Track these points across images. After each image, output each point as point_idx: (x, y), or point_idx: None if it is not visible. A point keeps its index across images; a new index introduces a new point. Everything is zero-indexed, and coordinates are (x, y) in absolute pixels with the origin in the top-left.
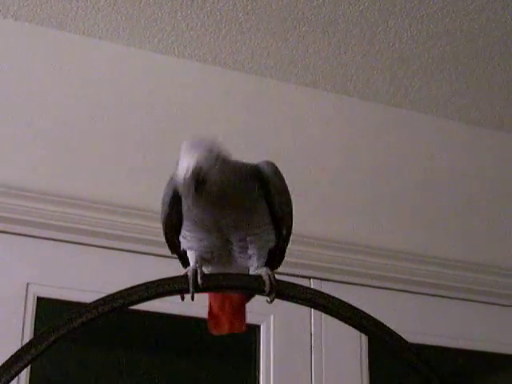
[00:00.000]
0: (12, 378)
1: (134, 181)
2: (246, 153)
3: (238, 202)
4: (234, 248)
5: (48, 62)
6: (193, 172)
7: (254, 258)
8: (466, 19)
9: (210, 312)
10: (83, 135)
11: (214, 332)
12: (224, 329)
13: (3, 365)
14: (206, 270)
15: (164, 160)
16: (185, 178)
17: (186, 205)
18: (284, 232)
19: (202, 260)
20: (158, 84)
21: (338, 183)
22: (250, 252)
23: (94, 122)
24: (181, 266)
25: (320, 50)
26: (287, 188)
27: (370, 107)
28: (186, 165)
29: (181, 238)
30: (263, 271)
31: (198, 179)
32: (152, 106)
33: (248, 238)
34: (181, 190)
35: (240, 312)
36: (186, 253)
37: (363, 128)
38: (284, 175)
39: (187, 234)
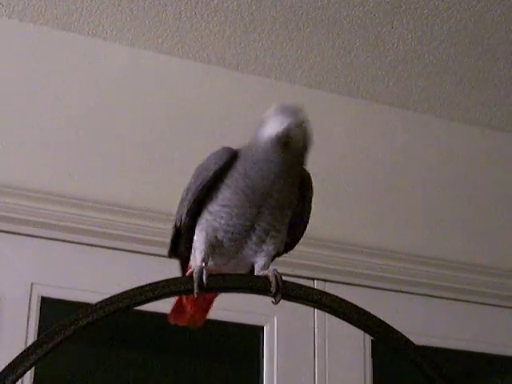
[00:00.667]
0: (18, 378)
1: (139, 181)
2: None
3: (291, 184)
4: (253, 238)
5: (53, 63)
6: (288, 132)
7: (262, 255)
8: (471, 20)
9: (178, 302)
10: (88, 135)
11: (172, 321)
12: (184, 320)
13: (9, 364)
14: (210, 261)
15: (168, 160)
16: (277, 137)
17: (245, 172)
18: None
19: (209, 248)
20: (163, 85)
21: (342, 184)
22: (263, 247)
23: (99, 123)
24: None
25: (325, 51)
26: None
27: (374, 108)
28: (279, 125)
29: (205, 214)
30: (270, 272)
31: (290, 141)
32: (156, 106)
33: (271, 233)
34: (263, 150)
35: (207, 308)
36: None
37: (369, 129)
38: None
39: (217, 208)
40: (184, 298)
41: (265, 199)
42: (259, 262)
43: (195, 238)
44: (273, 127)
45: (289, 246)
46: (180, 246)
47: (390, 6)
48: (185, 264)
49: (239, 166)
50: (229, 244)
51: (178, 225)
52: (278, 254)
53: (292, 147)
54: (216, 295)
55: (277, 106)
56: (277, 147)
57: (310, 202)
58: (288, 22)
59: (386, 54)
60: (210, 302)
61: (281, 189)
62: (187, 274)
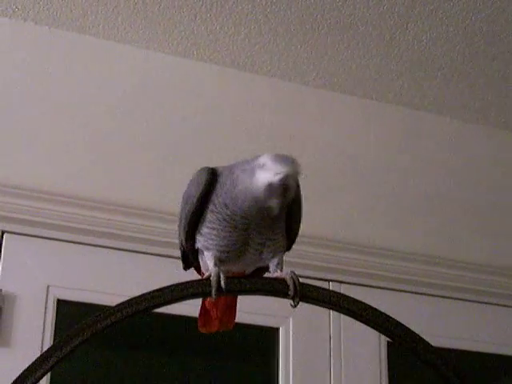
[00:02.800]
0: (37, 381)
1: (157, 184)
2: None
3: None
4: (250, 250)
5: (67, 65)
6: (287, 181)
7: (273, 259)
8: (485, 22)
9: (203, 309)
10: (104, 138)
11: (203, 330)
12: (214, 327)
13: (29, 367)
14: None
15: (182, 163)
16: (272, 184)
17: (224, 200)
18: (292, 240)
19: (216, 258)
20: (177, 87)
21: (357, 186)
22: (263, 255)
23: (115, 125)
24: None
25: (339, 53)
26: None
27: (389, 110)
28: (277, 170)
29: (197, 236)
30: (288, 274)
31: (287, 189)
32: (170, 108)
33: (267, 243)
34: (255, 193)
35: (232, 309)
36: (194, 252)
37: (383, 131)
38: (302, 176)
39: (207, 231)
40: (206, 303)
41: (249, 225)
42: (272, 261)
43: (203, 253)
44: (270, 174)
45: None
46: (190, 260)
47: (404, 9)
48: (199, 270)
49: (219, 195)
50: (229, 259)
51: (182, 248)
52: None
53: (286, 197)
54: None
55: (272, 155)
56: (271, 195)
57: (299, 207)
58: (302, 24)
59: (400, 55)
60: (234, 302)
61: (264, 218)
62: (204, 276)
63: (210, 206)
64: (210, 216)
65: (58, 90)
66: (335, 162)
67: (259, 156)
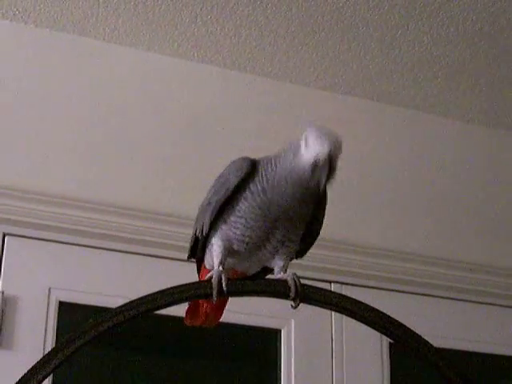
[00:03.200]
0: (39, 383)
1: (157, 186)
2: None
3: (307, 203)
4: (268, 247)
5: (69, 68)
6: (331, 157)
7: (277, 259)
8: (486, 22)
9: (193, 303)
10: (105, 140)
11: (188, 323)
12: (199, 321)
13: (31, 369)
14: (229, 261)
15: (184, 165)
16: (318, 160)
17: (263, 188)
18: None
19: (227, 252)
20: (178, 89)
21: (359, 187)
22: (279, 255)
23: (116, 127)
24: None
25: (340, 54)
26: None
27: (389, 110)
28: (321, 148)
29: (220, 223)
30: (289, 276)
31: (332, 164)
32: (172, 110)
33: (286, 243)
34: (300, 170)
35: (222, 307)
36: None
37: (384, 131)
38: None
39: (234, 219)
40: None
41: (280, 216)
42: (276, 263)
43: (212, 243)
44: (312, 151)
45: (299, 252)
46: (197, 250)
47: (405, 9)
48: (200, 264)
49: (258, 182)
50: (244, 251)
51: (199, 233)
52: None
53: (332, 172)
54: None
55: (315, 130)
56: (321, 172)
57: (323, 218)
58: (303, 26)
59: (401, 56)
60: (225, 302)
61: (298, 208)
62: (206, 277)
63: (245, 194)
64: (242, 204)
65: (58, 92)
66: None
67: (302, 134)
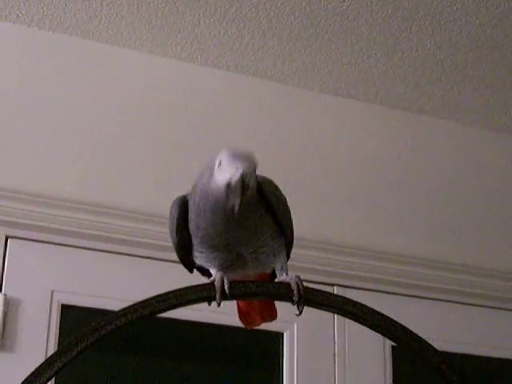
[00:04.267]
0: None
1: (159, 189)
2: (268, 159)
3: (246, 218)
4: (248, 258)
5: (71, 70)
6: (243, 178)
7: (277, 262)
8: (489, 26)
9: (239, 309)
10: (107, 142)
11: (248, 327)
12: (257, 322)
13: (34, 372)
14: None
15: (187, 167)
16: (230, 184)
17: (195, 222)
18: (288, 237)
19: (220, 267)
20: (181, 91)
21: (361, 190)
22: (263, 260)
23: (118, 129)
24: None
25: (342, 57)
26: (285, 200)
27: (392, 114)
28: (233, 171)
29: (193, 257)
30: (292, 279)
31: (245, 187)
32: (175, 113)
33: (259, 250)
34: (214, 198)
35: (269, 304)
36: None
37: (386, 135)
38: (305, 182)
39: (197, 254)
40: (240, 304)
41: (226, 241)
42: (274, 262)
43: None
44: (225, 173)
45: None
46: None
47: (408, 12)
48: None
49: (192, 218)
50: (232, 268)
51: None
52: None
53: (246, 194)
54: None
55: (228, 152)
56: (235, 195)
57: (280, 209)
58: (306, 29)
59: (404, 59)
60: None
61: (237, 228)
62: (209, 281)
63: (190, 230)
64: (194, 241)
65: (61, 94)
66: (340, 166)
67: (216, 154)
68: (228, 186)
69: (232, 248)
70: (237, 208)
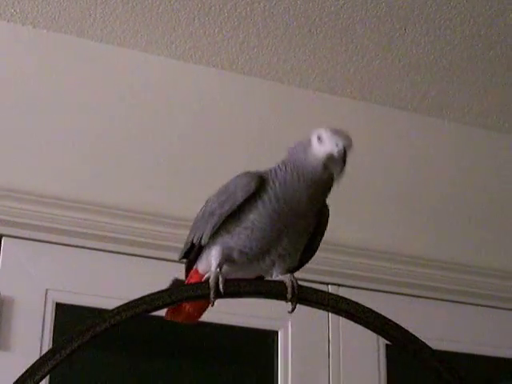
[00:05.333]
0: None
1: (155, 188)
2: (263, 158)
3: (314, 212)
4: (266, 260)
5: (66, 69)
6: (345, 150)
7: (276, 273)
8: (483, 25)
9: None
10: (102, 141)
11: (169, 318)
12: (180, 318)
13: (28, 370)
14: (225, 268)
15: (182, 166)
16: (333, 154)
17: (276, 196)
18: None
19: (224, 259)
20: (176, 90)
21: (355, 188)
22: (275, 268)
23: (114, 128)
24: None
25: (337, 56)
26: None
27: (387, 113)
28: (335, 142)
29: (222, 232)
30: (286, 277)
31: (345, 160)
32: (169, 112)
33: (285, 257)
34: (315, 166)
35: (204, 308)
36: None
37: (381, 133)
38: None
39: (239, 230)
40: None
41: (288, 224)
42: (275, 271)
43: (211, 249)
44: (327, 147)
45: (294, 268)
46: (191, 253)
47: (402, 11)
48: (190, 266)
49: (269, 189)
50: (242, 262)
51: (196, 241)
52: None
53: (343, 167)
54: None
55: (328, 128)
56: (336, 166)
57: (322, 235)
58: (301, 28)
59: (398, 58)
60: (208, 304)
61: (307, 214)
62: (203, 279)
63: (256, 204)
64: (251, 215)
65: (56, 93)
66: None
67: (312, 132)
68: (329, 156)
69: (279, 238)
70: (337, 176)
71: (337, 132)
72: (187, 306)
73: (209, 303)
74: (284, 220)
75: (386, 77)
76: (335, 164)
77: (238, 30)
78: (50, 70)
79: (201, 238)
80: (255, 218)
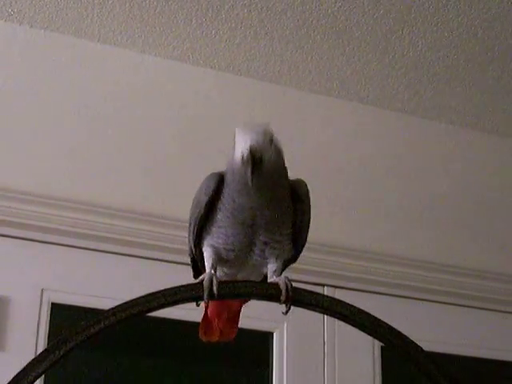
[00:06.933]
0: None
1: (152, 188)
2: None
3: (278, 198)
4: (255, 251)
5: (63, 69)
6: (251, 150)
7: (271, 262)
8: (480, 27)
9: (205, 318)
10: (99, 141)
11: (204, 339)
12: (214, 336)
13: (22, 370)
14: (221, 270)
15: (180, 167)
16: (243, 157)
17: (230, 195)
18: (299, 249)
19: (217, 261)
20: (173, 91)
21: (352, 191)
22: (268, 258)
23: (111, 128)
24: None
25: (334, 58)
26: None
27: (384, 115)
28: (243, 145)
29: (205, 235)
30: (281, 279)
31: (256, 157)
32: (166, 112)
33: (271, 244)
34: (237, 172)
35: (234, 321)
36: (199, 257)
37: (377, 135)
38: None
39: (215, 229)
40: (209, 313)
41: (254, 217)
42: (270, 269)
43: (204, 253)
44: (238, 148)
45: (293, 255)
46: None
47: (399, 14)
48: (195, 266)
49: (225, 190)
50: (233, 259)
51: (191, 255)
52: (287, 262)
53: (262, 163)
54: (243, 304)
55: (240, 128)
56: (247, 166)
57: (306, 212)
58: (298, 29)
59: (395, 61)
60: (237, 314)
61: (267, 205)
62: (197, 280)
63: (219, 205)
64: (219, 215)
65: (53, 93)
66: (331, 166)
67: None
68: (242, 159)
69: (254, 230)
70: (249, 179)
71: (247, 131)
72: (216, 322)
73: (238, 311)
74: (247, 214)
75: (383, 79)
76: (245, 165)
77: (236, 31)
78: (47, 70)
79: (192, 250)
80: (222, 217)
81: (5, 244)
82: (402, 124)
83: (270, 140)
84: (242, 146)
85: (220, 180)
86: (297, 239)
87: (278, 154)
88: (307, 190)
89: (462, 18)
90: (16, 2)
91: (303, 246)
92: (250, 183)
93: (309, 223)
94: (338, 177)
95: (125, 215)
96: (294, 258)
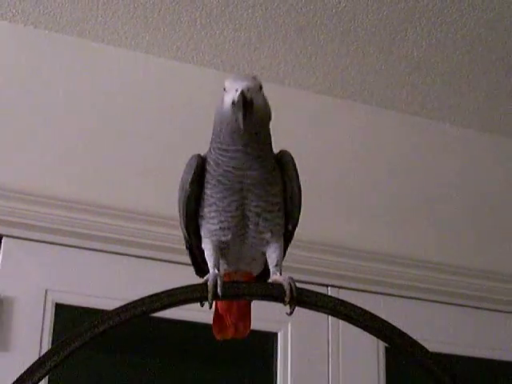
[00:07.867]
0: None
1: (156, 189)
2: None
3: (262, 157)
4: (250, 226)
5: (67, 69)
6: (243, 93)
7: (270, 245)
8: (484, 28)
9: (216, 315)
10: (103, 142)
11: (218, 337)
12: (228, 333)
13: (27, 370)
14: (222, 265)
15: (181, 167)
16: (234, 102)
17: (215, 160)
18: (289, 226)
19: (218, 251)
20: (177, 91)
21: (356, 191)
22: (265, 235)
23: (115, 129)
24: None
25: (338, 59)
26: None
27: (387, 115)
28: (234, 91)
29: (200, 221)
30: (285, 280)
31: (247, 101)
32: (170, 113)
33: (263, 215)
34: (226, 121)
35: (247, 316)
36: (201, 257)
37: (380, 136)
38: (299, 181)
39: (206, 210)
40: (219, 309)
41: (241, 181)
42: (271, 256)
43: (203, 246)
44: (229, 95)
45: (289, 232)
46: (199, 262)
47: (403, 14)
48: (194, 259)
49: (209, 161)
50: (231, 240)
51: (188, 245)
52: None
53: (252, 107)
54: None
55: (230, 76)
56: (238, 110)
57: (292, 179)
58: (302, 30)
59: (399, 61)
60: (248, 307)
61: (252, 165)
62: (202, 281)
63: (205, 179)
64: (206, 190)
65: (57, 93)
66: (334, 167)
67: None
68: (232, 103)
69: (244, 197)
70: (241, 122)
71: (237, 78)
72: (229, 319)
73: (248, 308)
74: (235, 178)
75: (387, 79)
76: (237, 109)
77: (240, 31)
78: (51, 71)
79: (187, 239)
80: (211, 192)
81: (9, 245)
82: (405, 124)
83: (260, 87)
84: (232, 93)
85: (200, 157)
86: (289, 214)
87: (266, 103)
88: (291, 157)
89: (467, 19)
90: (20, 3)
91: (297, 220)
92: (241, 126)
93: (300, 197)
94: (340, 177)
95: (129, 216)
96: (289, 239)
